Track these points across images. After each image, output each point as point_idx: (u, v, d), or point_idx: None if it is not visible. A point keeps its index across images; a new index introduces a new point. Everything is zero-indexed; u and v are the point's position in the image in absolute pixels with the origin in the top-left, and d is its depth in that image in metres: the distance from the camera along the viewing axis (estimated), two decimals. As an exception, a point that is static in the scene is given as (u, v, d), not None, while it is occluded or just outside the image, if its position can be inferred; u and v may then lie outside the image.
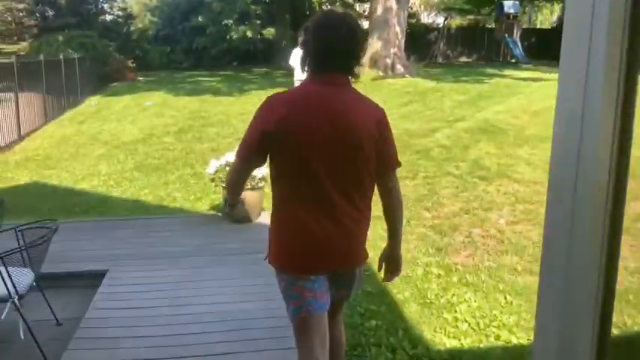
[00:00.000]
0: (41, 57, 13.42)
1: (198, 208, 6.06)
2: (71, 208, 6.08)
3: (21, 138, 10.21)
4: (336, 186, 2.08)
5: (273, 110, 2.09)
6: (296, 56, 10.38)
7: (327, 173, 2.07)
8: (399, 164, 2.26)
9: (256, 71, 25.68)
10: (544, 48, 30.64)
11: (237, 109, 12.88)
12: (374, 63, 18.35)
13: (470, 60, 32.47)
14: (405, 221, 3.22)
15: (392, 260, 2.37)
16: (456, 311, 3.84)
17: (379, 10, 18.15)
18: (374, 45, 18.40)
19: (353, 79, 2.17)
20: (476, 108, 11.45)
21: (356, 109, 2.15)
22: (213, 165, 5.41)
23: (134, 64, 23.90)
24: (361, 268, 2.33)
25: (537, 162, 7.21)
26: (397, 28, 18.26)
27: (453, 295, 4.09)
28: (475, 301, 4.00)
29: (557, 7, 52.02)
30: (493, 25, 36.45)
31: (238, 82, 19.97)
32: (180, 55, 28.02)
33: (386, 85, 15.87)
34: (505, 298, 4.04)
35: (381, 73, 17.87)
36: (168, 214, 5.82)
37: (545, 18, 52.78)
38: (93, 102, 15.55)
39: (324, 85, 2.10)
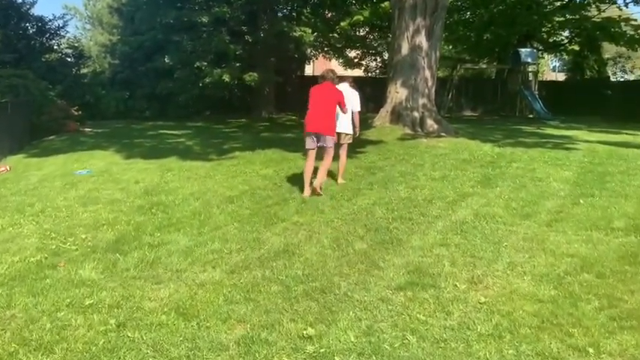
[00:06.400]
0: None
1: None
2: None
3: None
4: (322, 110, 7.27)
5: (311, 90, 7.47)
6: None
7: (320, 105, 7.28)
8: (346, 110, 7.65)
9: (234, 123, 21.00)
10: (557, 102, 27.00)
11: (220, 187, 8.04)
12: (397, 117, 13.89)
13: (475, 114, 28.53)
14: None
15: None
16: None
17: (404, 49, 13.81)
18: (397, 95, 14.00)
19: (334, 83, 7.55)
20: (624, 197, 6.93)
21: (331, 89, 7.39)
22: None
23: (79, 112, 18.91)
24: (326, 135, 7.25)
25: None
26: (427, 73, 13.90)
27: None
28: None
29: (546, 60, 49.62)
30: (493, 76, 33.05)
31: (214, 138, 15.18)
32: (140, 102, 23.18)
33: (424, 149, 11.31)
34: None
35: (408, 131, 13.38)
36: None
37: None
38: (2, 167, 10.50)
39: (322, 83, 7.52)
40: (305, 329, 3.49)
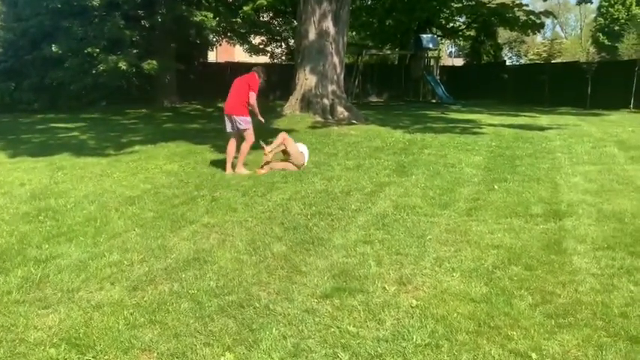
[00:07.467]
0: None
1: None
2: None
3: None
4: (233, 93, 8.06)
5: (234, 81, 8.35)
6: None
7: (233, 90, 8.10)
8: (255, 92, 8.01)
9: (133, 113, 19.80)
10: (457, 87, 27.85)
11: (118, 187, 7.31)
12: (307, 105, 13.56)
13: (381, 100, 28.89)
14: None
15: None
16: None
17: (311, 35, 13.47)
18: (306, 82, 13.65)
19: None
20: (536, 181, 7.01)
21: (247, 76, 8.10)
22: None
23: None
24: (237, 117, 7.93)
25: None
26: (335, 59, 13.67)
27: None
28: None
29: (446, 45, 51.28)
30: (397, 62, 33.61)
31: (111, 131, 14.13)
32: (28, 93, 21.25)
33: (336, 137, 11.07)
34: None
35: (318, 118, 13.10)
36: None
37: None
38: None
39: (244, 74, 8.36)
40: (222, 355, 3.04)
